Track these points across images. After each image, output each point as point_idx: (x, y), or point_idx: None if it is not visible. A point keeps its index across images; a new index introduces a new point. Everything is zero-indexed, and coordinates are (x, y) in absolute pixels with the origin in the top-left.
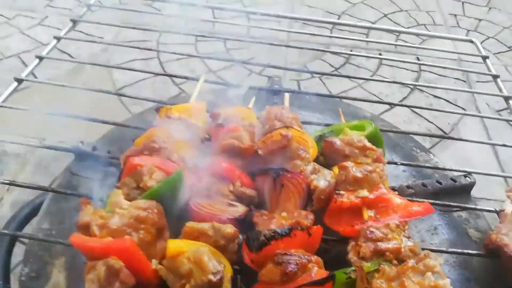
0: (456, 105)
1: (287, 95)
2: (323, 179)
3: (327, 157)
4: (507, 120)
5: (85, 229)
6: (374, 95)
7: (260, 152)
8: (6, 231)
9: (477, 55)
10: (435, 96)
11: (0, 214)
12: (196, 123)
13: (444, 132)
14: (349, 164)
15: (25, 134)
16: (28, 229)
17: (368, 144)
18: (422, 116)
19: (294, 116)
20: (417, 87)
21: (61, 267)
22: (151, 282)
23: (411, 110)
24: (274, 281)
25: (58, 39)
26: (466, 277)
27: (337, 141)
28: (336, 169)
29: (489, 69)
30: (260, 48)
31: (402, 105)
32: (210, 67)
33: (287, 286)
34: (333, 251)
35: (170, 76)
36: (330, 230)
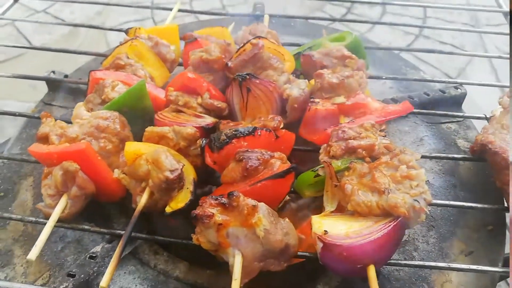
0: (463, 50)
1: (266, 16)
2: (296, 88)
3: (307, 73)
4: None
5: (45, 140)
6: (376, 43)
7: (230, 64)
8: None
9: None
10: (441, 42)
11: None
12: (166, 43)
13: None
14: (324, 71)
15: None
16: None
17: (347, 53)
18: (427, 62)
19: (271, 32)
20: (422, 33)
21: (28, 186)
22: (115, 193)
23: (415, 56)
24: (235, 179)
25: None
26: (452, 183)
27: (315, 54)
28: (312, 81)
29: (499, 5)
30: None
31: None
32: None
33: (249, 183)
34: None
35: None
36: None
